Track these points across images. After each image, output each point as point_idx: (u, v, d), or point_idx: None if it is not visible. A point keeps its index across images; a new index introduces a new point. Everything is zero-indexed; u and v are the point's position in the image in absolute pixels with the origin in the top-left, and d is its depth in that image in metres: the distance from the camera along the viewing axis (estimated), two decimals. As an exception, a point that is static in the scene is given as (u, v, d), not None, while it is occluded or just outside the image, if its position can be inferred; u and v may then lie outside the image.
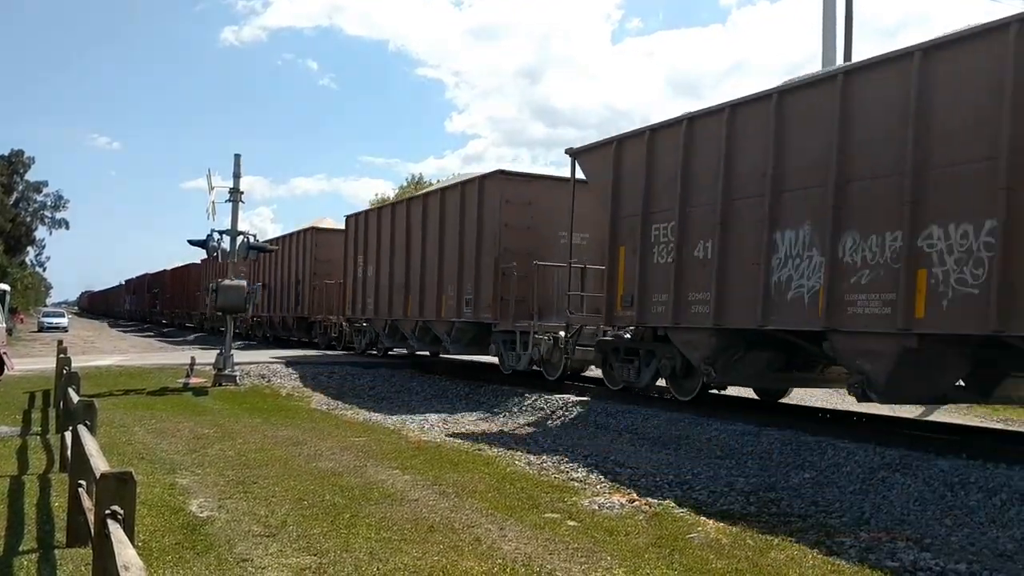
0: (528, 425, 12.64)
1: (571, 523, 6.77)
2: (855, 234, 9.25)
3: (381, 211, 22.41)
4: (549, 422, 12.73)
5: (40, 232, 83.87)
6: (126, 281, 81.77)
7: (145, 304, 66.19)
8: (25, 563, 5.44)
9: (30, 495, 7.31)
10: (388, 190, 71.43)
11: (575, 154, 14.18)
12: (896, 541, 6.45)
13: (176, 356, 23.86)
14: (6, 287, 19.88)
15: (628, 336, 13.68)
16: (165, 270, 58.29)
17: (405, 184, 64.24)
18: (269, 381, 17.82)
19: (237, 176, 18.43)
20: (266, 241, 24.59)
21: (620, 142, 13.07)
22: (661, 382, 13.28)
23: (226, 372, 17.24)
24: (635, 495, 7.85)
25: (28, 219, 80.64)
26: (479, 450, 10.28)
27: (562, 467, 9.23)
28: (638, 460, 9.61)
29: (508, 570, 5.49)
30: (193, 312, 48.13)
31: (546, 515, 6.99)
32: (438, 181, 58.66)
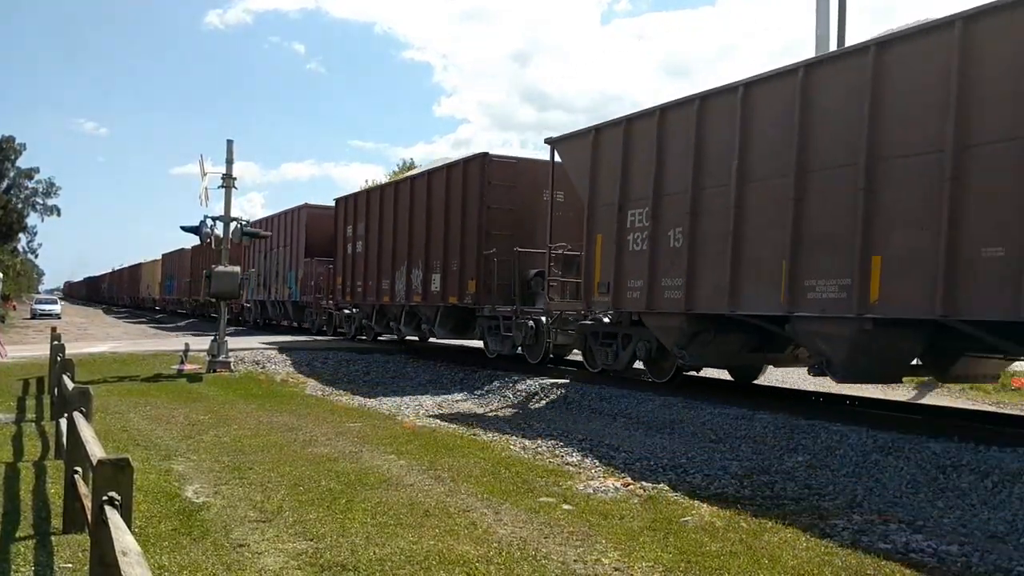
0: (522, 410, 12.68)
1: (566, 507, 6.80)
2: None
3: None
4: (543, 407, 12.76)
5: (32, 219, 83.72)
6: (85, 278, 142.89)
7: (92, 293, 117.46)
8: (22, 549, 5.45)
9: (26, 482, 7.32)
10: (379, 175, 71.23)
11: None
12: (888, 523, 6.51)
13: (169, 343, 23.80)
14: None
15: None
16: (96, 275, 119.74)
17: (396, 170, 64.08)
18: (263, 367, 17.80)
19: (230, 162, 18.28)
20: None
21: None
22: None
23: (220, 358, 17.19)
24: (629, 479, 7.89)
25: (19, 206, 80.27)
26: (474, 435, 10.31)
27: (557, 451, 9.26)
28: (632, 444, 9.66)
29: (504, 554, 5.52)
30: (99, 298, 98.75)
31: (541, 499, 7.02)
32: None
